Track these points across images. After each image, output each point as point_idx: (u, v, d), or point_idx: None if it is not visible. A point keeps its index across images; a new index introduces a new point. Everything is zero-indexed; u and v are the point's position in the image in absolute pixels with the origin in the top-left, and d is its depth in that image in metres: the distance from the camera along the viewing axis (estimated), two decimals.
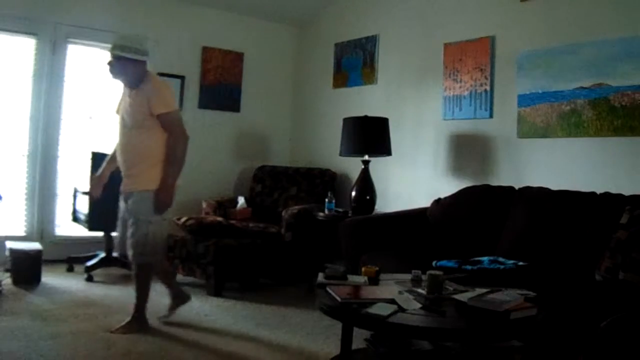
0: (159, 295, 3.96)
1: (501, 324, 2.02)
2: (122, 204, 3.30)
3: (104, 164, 3.44)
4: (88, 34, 4.90)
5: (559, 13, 3.64)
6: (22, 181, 4.76)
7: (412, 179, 4.56)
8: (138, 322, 3.18)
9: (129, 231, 3.16)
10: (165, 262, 3.52)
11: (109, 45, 3.18)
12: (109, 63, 3.17)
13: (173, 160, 3.14)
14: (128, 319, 3.17)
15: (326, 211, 4.34)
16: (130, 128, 3.14)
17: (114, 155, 3.36)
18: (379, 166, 4.51)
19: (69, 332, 3.03)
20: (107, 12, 4.93)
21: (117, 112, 3.34)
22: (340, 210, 4.34)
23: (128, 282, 4.26)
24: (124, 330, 3.10)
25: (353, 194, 4.33)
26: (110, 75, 3.23)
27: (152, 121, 3.11)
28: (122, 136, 3.22)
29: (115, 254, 3.43)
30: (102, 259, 4.43)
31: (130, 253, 3.16)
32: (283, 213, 4.54)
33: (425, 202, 4.02)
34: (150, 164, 3.13)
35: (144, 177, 3.13)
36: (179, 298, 3.43)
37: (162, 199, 3.13)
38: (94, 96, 5.05)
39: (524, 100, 3.76)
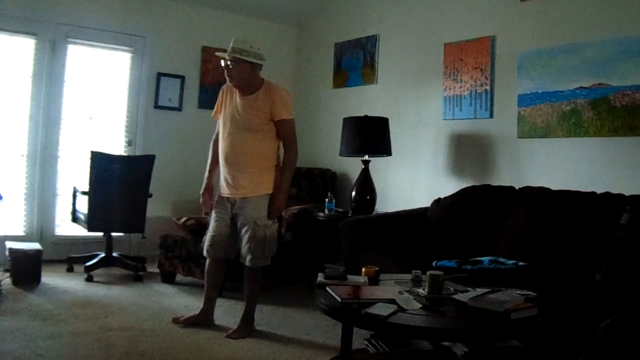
0: (165, 297, 3.96)
1: (501, 324, 2.02)
2: (225, 207, 3.27)
3: (206, 174, 3.42)
4: (88, 34, 4.91)
5: (559, 13, 3.64)
6: (22, 181, 4.76)
7: (412, 179, 4.56)
8: (251, 324, 3.25)
9: (245, 235, 3.17)
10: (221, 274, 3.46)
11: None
12: (226, 67, 3.16)
13: (288, 166, 3.21)
14: (240, 322, 3.22)
15: (326, 211, 4.35)
16: (244, 131, 3.15)
17: (213, 162, 3.37)
18: (379, 166, 4.50)
19: (69, 332, 3.03)
20: (107, 12, 4.94)
21: (216, 115, 3.35)
22: (340, 210, 4.34)
23: (127, 282, 4.27)
24: (237, 334, 3.14)
25: (353, 194, 4.33)
26: (227, 80, 3.21)
27: (269, 126, 3.16)
28: (231, 139, 3.20)
29: (209, 254, 3.35)
30: (102, 259, 4.43)
31: (249, 257, 3.18)
32: (283, 213, 4.53)
33: (425, 202, 4.02)
34: (265, 168, 3.18)
35: (260, 181, 3.17)
36: (205, 315, 3.35)
37: (277, 203, 3.18)
38: (93, 96, 5.05)
39: (524, 100, 3.76)
